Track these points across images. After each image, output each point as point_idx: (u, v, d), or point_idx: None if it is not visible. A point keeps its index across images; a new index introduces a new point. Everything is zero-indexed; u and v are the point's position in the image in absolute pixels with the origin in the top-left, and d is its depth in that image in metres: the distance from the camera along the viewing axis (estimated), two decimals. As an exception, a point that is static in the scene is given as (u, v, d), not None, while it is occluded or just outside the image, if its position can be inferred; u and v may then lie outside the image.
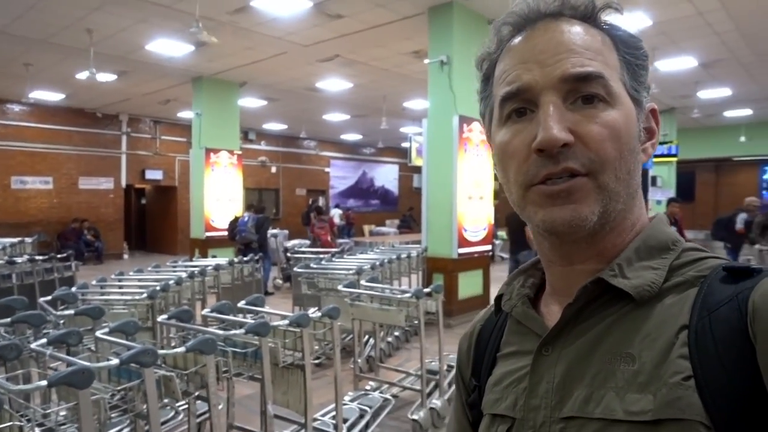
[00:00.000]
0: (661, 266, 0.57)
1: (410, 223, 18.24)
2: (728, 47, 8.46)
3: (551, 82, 0.56)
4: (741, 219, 8.80)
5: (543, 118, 0.55)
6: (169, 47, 8.29)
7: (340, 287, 4.20)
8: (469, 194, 6.88)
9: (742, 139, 14.58)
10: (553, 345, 0.59)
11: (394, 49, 8.52)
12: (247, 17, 7.08)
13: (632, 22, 7.24)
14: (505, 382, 0.63)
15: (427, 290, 3.85)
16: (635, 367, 0.52)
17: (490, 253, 7.54)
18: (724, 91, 11.44)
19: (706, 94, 11.57)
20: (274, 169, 17.80)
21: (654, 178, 13.73)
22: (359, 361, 4.30)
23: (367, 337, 5.05)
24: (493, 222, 7.52)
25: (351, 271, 4.95)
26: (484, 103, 0.66)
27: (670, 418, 0.48)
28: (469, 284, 6.92)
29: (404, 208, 20.74)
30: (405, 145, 14.80)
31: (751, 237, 7.95)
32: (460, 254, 6.71)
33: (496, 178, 6.08)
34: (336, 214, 16.99)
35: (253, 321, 2.78)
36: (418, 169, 20.20)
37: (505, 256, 13.71)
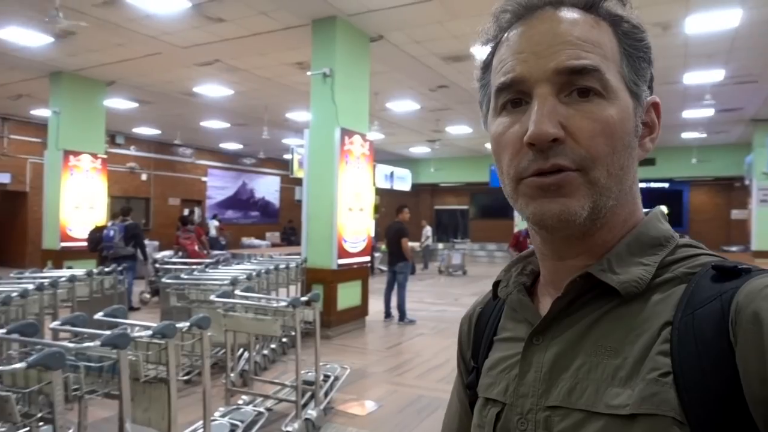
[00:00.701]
0: (652, 262, 0.57)
1: (290, 236, 18.00)
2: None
3: (545, 75, 0.55)
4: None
5: (534, 112, 0.54)
6: (23, 36, 7.45)
7: (212, 297, 4.01)
8: (349, 206, 6.96)
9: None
10: (543, 335, 0.60)
11: (277, 58, 8.43)
12: (116, 11, 6.60)
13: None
14: (499, 368, 0.64)
15: (304, 299, 3.81)
16: (617, 362, 0.52)
17: (369, 265, 7.65)
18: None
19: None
20: (144, 177, 16.64)
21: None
22: (232, 375, 4.12)
23: (241, 350, 4.87)
24: (372, 234, 7.65)
25: (225, 282, 4.76)
26: (482, 90, 0.65)
27: (645, 413, 0.48)
28: (348, 295, 6.96)
29: (285, 221, 20.44)
30: (287, 156, 14.63)
31: None
32: (339, 265, 6.74)
33: (377, 192, 6.24)
34: (212, 225, 16.27)
35: (111, 333, 2.55)
36: (300, 181, 20.03)
37: (384, 268, 14.04)
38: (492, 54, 0.63)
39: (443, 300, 10.36)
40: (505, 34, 0.60)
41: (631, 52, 0.58)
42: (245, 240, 17.08)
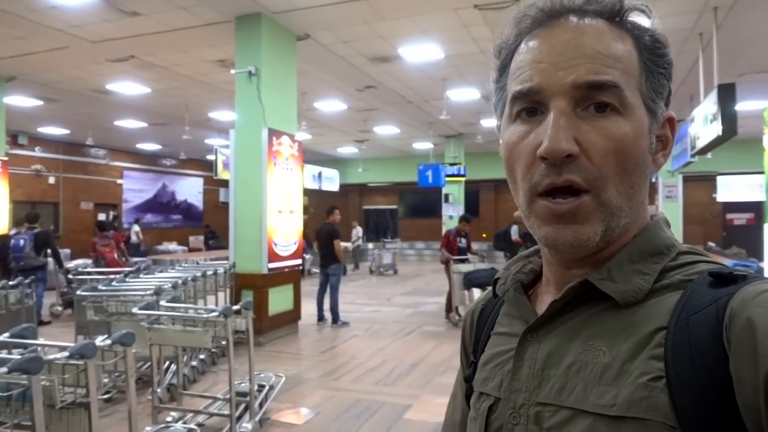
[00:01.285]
0: (652, 271, 0.57)
1: (209, 239, 17.35)
2: (503, 83, 9.79)
3: (563, 88, 0.54)
4: (514, 230, 10.21)
5: (550, 126, 0.54)
6: None
7: (134, 310, 3.76)
8: (279, 208, 6.79)
9: (514, 163, 16.95)
10: (537, 332, 0.60)
11: (197, 55, 8.08)
12: (17, 2, 6.05)
13: (427, 54, 7.97)
14: (494, 363, 0.65)
15: (235, 308, 3.66)
16: (606, 361, 0.53)
17: (301, 268, 7.51)
18: (500, 121, 13.19)
19: (487, 122, 13.22)
20: (52, 180, 15.45)
21: (447, 196, 15.22)
22: (159, 390, 3.89)
23: (167, 363, 4.60)
24: (303, 236, 7.51)
25: (148, 292, 4.48)
26: (498, 93, 0.64)
27: (633, 416, 0.49)
28: (279, 300, 6.79)
29: (209, 224, 19.69)
30: (210, 157, 14.08)
31: (529, 245, 9.20)
32: (270, 269, 6.56)
33: (305, 193, 6.09)
34: (133, 230, 15.40)
35: (21, 356, 2.30)
36: (225, 183, 19.40)
37: (316, 270, 13.86)
38: (510, 56, 0.62)
39: (376, 300, 10.37)
40: (525, 40, 0.60)
41: (651, 68, 0.58)
42: (161, 246, 16.16)
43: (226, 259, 7.17)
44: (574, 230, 0.55)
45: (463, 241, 8.23)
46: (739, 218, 17.73)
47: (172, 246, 16.30)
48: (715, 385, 0.47)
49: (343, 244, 8.10)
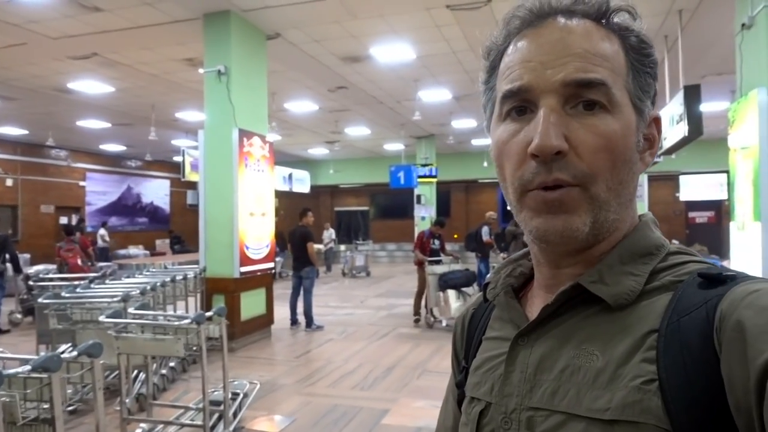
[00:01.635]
0: (642, 272, 0.57)
1: (173, 244, 16.94)
2: (475, 84, 9.79)
3: (553, 86, 0.55)
4: (485, 231, 10.28)
5: (540, 123, 0.54)
6: None
7: (101, 318, 3.59)
8: (250, 210, 6.65)
9: (485, 164, 17.12)
10: (529, 336, 0.60)
11: (164, 53, 7.85)
12: (-30, -6, 5.77)
13: (399, 54, 7.94)
14: (485, 367, 0.64)
15: (208, 314, 3.53)
16: (599, 365, 0.53)
17: (273, 271, 7.38)
18: (471, 122, 13.29)
19: (458, 123, 13.29)
20: (10, 182, 14.84)
21: (419, 197, 15.23)
22: (127, 401, 3.73)
23: (136, 372, 4.44)
24: (275, 238, 7.38)
25: (116, 299, 4.30)
26: (487, 94, 0.65)
27: (626, 419, 0.49)
28: (251, 304, 6.65)
29: (177, 227, 19.24)
30: (177, 158, 13.76)
31: (502, 246, 9.26)
32: (242, 273, 6.41)
33: (276, 195, 5.97)
34: (100, 234, 14.93)
35: (-23, 371, 2.15)
36: (193, 185, 19.05)
37: (288, 273, 13.69)
38: (500, 57, 0.62)
39: (349, 303, 10.29)
40: (514, 40, 0.60)
41: (638, 67, 0.58)
42: (123, 250, 15.54)
43: (193, 263, 6.98)
44: (564, 219, 0.55)
45: (437, 242, 8.22)
46: (701, 216, 18.30)
47: (134, 250, 15.58)
48: (706, 388, 0.47)
49: (315, 246, 8.00)
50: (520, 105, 0.57)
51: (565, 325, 0.58)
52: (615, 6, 0.58)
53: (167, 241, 17.89)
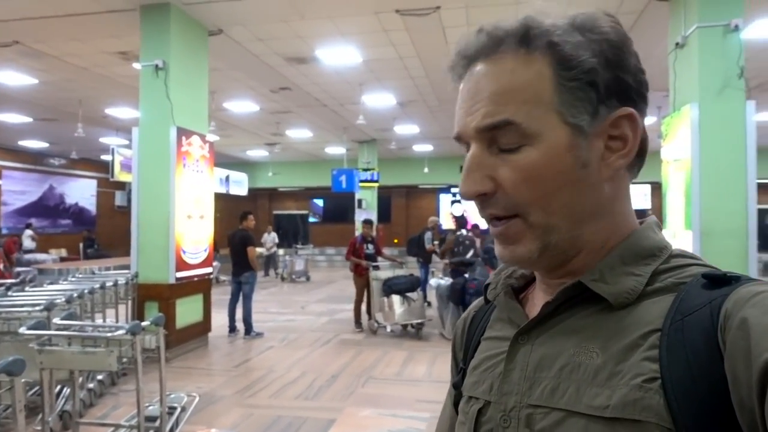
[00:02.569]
0: (644, 273, 0.57)
1: (87, 248, 15.99)
2: (419, 90, 9.91)
3: (472, 133, 0.58)
4: (428, 238, 10.33)
5: (463, 170, 0.59)
6: None
7: (21, 329, 3.27)
8: (188, 213, 6.34)
9: (426, 170, 17.31)
10: (529, 335, 0.61)
11: (95, 45, 7.38)
12: None
13: (345, 57, 7.86)
14: (484, 366, 0.65)
15: (145, 324, 3.29)
16: (599, 363, 0.53)
17: (212, 276, 7.07)
18: (413, 128, 13.39)
19: (401, 129, 13.34)
20: None
21: (360, 201, 15.17)
22: (50, 420, 3.41)
23: (59, 387, 4.09)
24: (213, 242, 7.08)
25: (38, 308, 3.94)
26: None
27: (627, 418, 0.49)
28: (188, 311, 6.33)
29: (104, 229, 18.21)
30: (106, 157, 13.02)
31: (446, 251, 9.29)
32: (178, 278, 6.09)
33: (217, 197, 5.72)
34: (26, 235, 13.86)
35: None
36: (122, 186, 18.11)
37: (224, 278, 13.23)
38: None
39: (290, 309, 10.04)
40: (460, 84, 0.62)
41: (565, 84, 0.56)
42: (28, 255, 13.78)
43: (108, 269, 6.57)
44: (510, 250, 0.59)
45: (370, 246, 8.10)
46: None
47: (42, 255, 14.06)
48: (710, 386, 0.47)
49: (259, 249, 7.76)
50: (465, 146, 0.61)
51: (565, 324, 0.58)
52: (536, 24, 0.56)
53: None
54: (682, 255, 0.59)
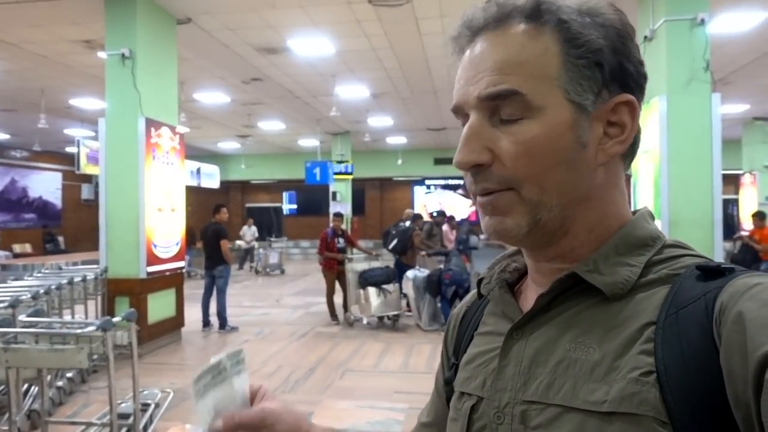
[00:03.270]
0: (638, 263, 0.56)
1: (46, 242, 15.54)
2: (393, 82, 9.89)
3: (473, 102, 0.57)
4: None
5: (460, 140, 0.57)
6: None
7: (-15, 328, 3.15)
8: (159, 206, 6.20)
9: (399, 162, 17.32)
10: (523, 330, 0.60)
11: (57, 33, 7.13)
12: None
13: (317, 48, 7.77)
14: (476, 362, 0.64)
15: (116, 319, 3.22)
16: (596, 358, 0.52)
17: (184, 270, 6.94)
18: (387, 120, 13.36)
19: (374, 121, 13.30)
20: None
21: (334, 194, 15.10)
22: (17, 419, 3.31)
23: (26, 385, 3.97)
24: (185, 236, 6.95)
25: (2, 304, 3.81)
26: None
27: (624, 412, 0.48)
28: (160, 306, 6.21)
29: (70, 223, 17.72)
30: (71, 149, 12.65)
31: (426, 243, 9.32)
32: (149, 273, 5.96)
33: (188, 190, 5.62)
34: None
35: None
36: (88, 179, 17.63)
37: (197, 272, 13.03)
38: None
39: (264, 302, 9.96)
40: (462, 56, 0.61)
41: (573, 61, 0.56)
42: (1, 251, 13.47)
43: (76, 264, 6.41)
44: (498, 221, 0.58)
45: (341, 240, 8.06)
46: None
47: None
48: (705, 380, 0.47)
49: (238, 242, 7.66)
50: (463, 119, 0.60)
51: (560, 318, 0.57)
52: (546, 1, 0.57)
53: (60, 238, 16.41)
54: (676, 245, 0.59)
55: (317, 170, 13.38)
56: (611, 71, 0.56)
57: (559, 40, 0.56)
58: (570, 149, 0.56)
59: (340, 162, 14.64)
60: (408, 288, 7.49)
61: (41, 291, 4.40)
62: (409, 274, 7.61)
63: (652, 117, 5.10)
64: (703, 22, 4.96)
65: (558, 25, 0.56)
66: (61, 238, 16.93)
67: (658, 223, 4.97)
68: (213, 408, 0.62)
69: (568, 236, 0.58)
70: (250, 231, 16.04)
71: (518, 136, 0.55)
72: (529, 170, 0.55)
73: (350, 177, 14.97)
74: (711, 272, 0.52)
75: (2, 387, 3.96)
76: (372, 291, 7.33)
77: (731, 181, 13.68)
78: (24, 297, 4.08)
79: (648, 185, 5.21)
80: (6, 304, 3.80)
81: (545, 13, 0.56)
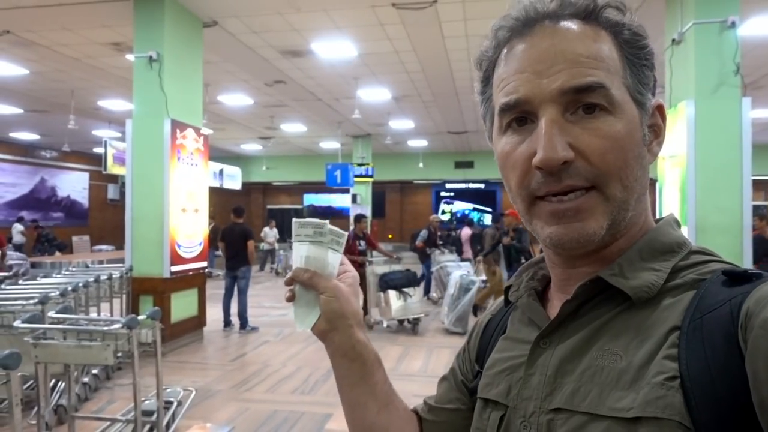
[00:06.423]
0: (663, 268, 0.56)
1: (43, 242, 15.75)
2: (415, 85, 9.89)
3: (550, 95, 0.54)
4: (422, 235, 10.34)
5: (542, 136, 0.54)
6: None
7: (16, 323, 3.23)
8: (182, 206, 6.29)
9: (421, 165, 17.30)
10: (550, 338, 0.59)
11: (87, 36, 7.29)
12: None
13: (340, 51, 7.81)
14: (498, 368, 0.64)
15: (141, 317, 3.27)
16: (623, 365, 0.52)
17: (206, 270, 7.03)
18: (408, 123, 13.36)
19: (395, 124, 13.31)
20: None
21: (354, 196, 15.15)
22: (45, 414, 3.38)
23: (54, 381, 4.05)
24: (208, 236, 7.04)
25: (32, 301, 3.91)
26: (484, 105, 0.64)
27: (649, 416, 0.48)
28: (183, 305, 6.30)
29: (96, 222, 18.09)
30: (99, 150, 12.92)
31: (478, 248, 9.28)
32: (173, 272, 6.05)
33: (210, 191, 5.68)
34: (16, 230, 13.70)
35: None
36: (114, 179, 17.97)
37: (218, 272, 13.17)
38: (492, 67, 0.62)
39: (284, 303, 9.91)
40: (504, 50, 0.59)
41: (633, 61, 0.57)
42: None
43: (102, 262, 6.52)
44: (579, 227, 0.55)
45: (362, 243, 8.06)
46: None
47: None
48: (729, 385, 0.46)
49: (260, 244, 7.73)
50: (519, 116, 0.57)
51: (587, 327, 0.57)
52: (602, 2, 0.57)
53: (85, 237, 16.74)
54: (702, 252, 0.59)
55: (338, 173, 13.43)
56: (654, 77, 0.59)
57: (617, 42, 0.57)
58: (640, 146, 0.57)
59: (361, 164, 14.67)
60: (451, 285, 7.52)
61: (69, 288, 4.50)
62: (455, 274, 7.62)
63: (680, 121, 5.01)
64: (734, 24, 4.86)
65: (616, 26, 0.57)
66: (84, 237, 17.25)
67: (685, 230, 4.87)
68: (304, 258, 0.72)
69: (623, 239, 0.58)
70: (272, 232, 16.16)
71: (602, 131, 0.54)
72: (615, 165, 0.54)
73: (371, 180, 15.00)
74: (737, 277, 0.52)
75: (31, 382, 4.05)
76: (392, 294, 7.32)
77: (761, 187, 13.34)
78: (53, 294, 4.18)
79: (674, 191, 5.11)
80: (36, 300, 3.89)
81: (603, 14, 0.57)
